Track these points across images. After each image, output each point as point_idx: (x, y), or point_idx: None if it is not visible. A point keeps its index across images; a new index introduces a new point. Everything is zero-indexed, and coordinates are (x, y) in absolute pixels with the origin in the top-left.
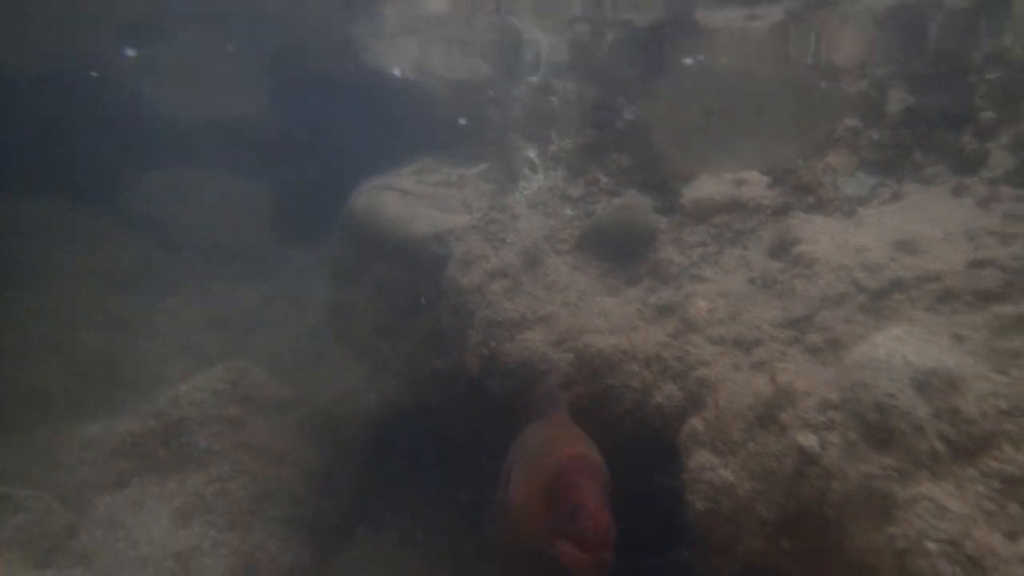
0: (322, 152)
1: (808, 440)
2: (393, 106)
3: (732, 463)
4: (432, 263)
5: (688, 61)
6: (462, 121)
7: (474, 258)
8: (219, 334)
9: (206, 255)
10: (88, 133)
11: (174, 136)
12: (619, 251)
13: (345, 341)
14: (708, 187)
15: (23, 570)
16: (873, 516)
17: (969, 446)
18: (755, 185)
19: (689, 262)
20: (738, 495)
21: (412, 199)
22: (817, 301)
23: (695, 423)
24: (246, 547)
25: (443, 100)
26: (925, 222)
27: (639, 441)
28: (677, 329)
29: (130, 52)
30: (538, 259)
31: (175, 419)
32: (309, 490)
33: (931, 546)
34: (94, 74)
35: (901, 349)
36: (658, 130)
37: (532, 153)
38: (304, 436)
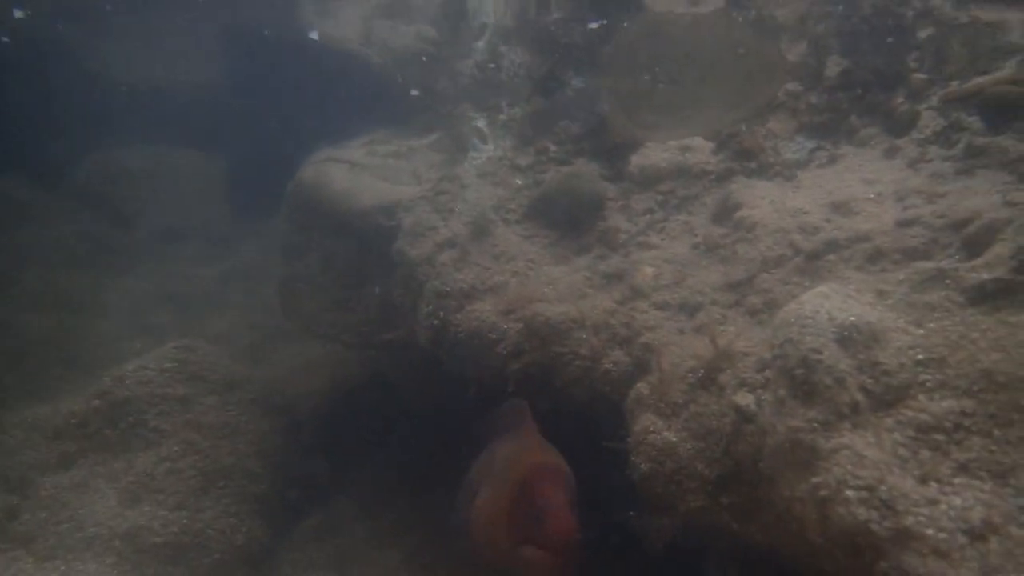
0: (275, 124)
1: (745, 399)
2: (343, 76)
3: (675, 424)
4: (380, 235)
5: (593, 26)
6: (414, 92)
7: (423, 229)
8: (175, 313)
9: (161, 232)
10: (35, 105)
11: (125, 108)
12: (568, 220)
13: (296, 317)
14: (655, 154)
15: None
16: (799, 467)
17: (887, 396)
18: (700, 151)
19: (636, 229)
20: (680, 455)
21: (360, 171)
22: (757, 264)
23: (640, 387)
24: (196, 525)
25: (391, 70)
26: (859, 184)
27: (588, 407)
28: (624, 296)
29: (18, 13)
30: (487, 229)
31: (121, 399)
32: (262, 466)
33: (849, 493)
34: (4, 39)
35: (826, 305)
36: (606, 98)
37: (481, 123)
38: (257, 413)
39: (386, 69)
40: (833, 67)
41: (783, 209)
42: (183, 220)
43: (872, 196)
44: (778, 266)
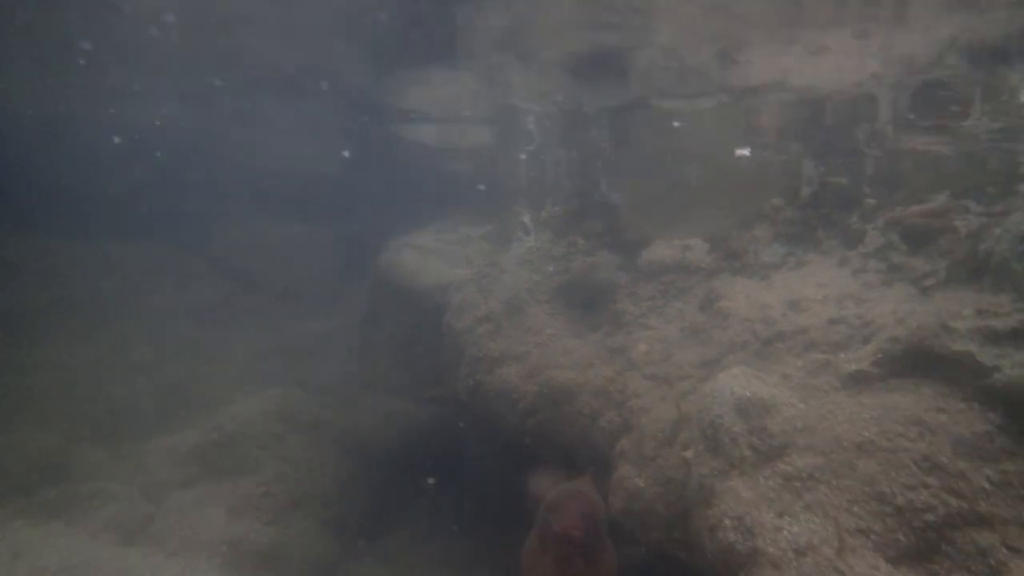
0: (372, 206)
1: (690, 454)
2: (424, 173)
3: (644, 473)
4: (436, 310)
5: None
6: (480, 187)
7: (467, 306)
8: (283, 364)
9: (277, 293)
10: (180, 185)
11: (251, 188)
12: (587, 302)
13: (371, 373)
14: (661, 250)
15: (115, 547)
16: (703, 504)
17: (769, 453)
18: (697, 250)
19: (640, 312)
20: (646, 498)
21: (427, 255)
22: (726, 347)
23: (624, 442)
24: (283, 540)
25: (460, 169)
26: (814, 286)
27: (586, 456)
28: (622, 367)
29: (116, 139)
30: (520, 308)
31: (231, 433)
32: (338, 495)
33: (726, 521)
34: (117, 140)
35: (731, 383)
36: (624, 201)
37: (527, 218)
38: (336, 451)
39: (454, 168)
40: (806, 188)
41: (753, 303)
42: (296, 284)
43: (820, 297)
44: (742, 349)
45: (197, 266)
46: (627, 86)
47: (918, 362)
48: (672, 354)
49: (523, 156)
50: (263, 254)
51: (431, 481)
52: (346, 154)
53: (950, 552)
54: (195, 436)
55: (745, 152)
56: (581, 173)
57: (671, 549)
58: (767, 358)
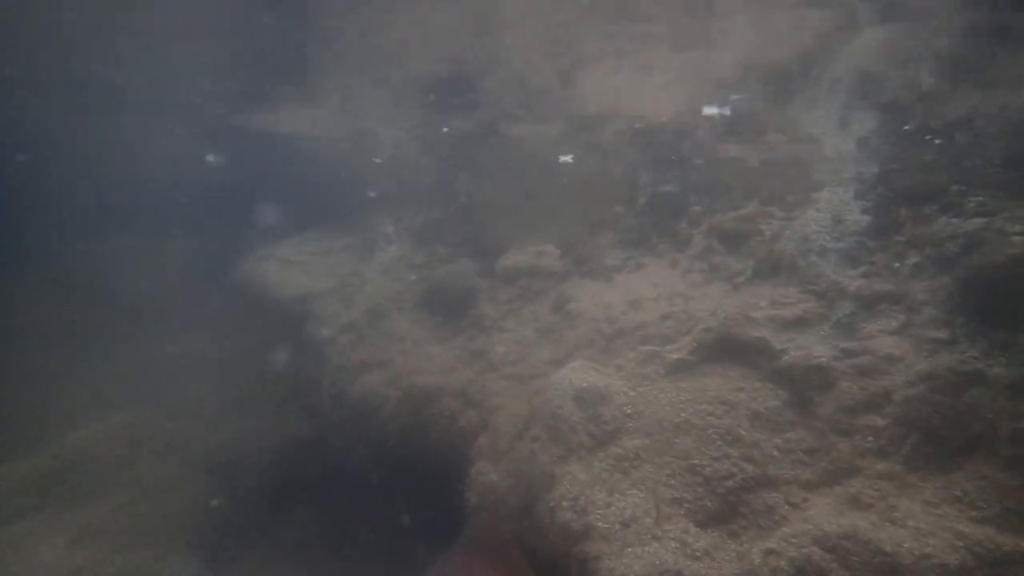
0: (239, 215)
1: (537, 444)
2: (292, 181)
3: (499, 468)
4: (298, 320)
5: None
6: (371, 194)
7: (329, 316)
8: (137, 383)
9: (135, 311)
10: (29, 206)
11: (110, 202)
12: (449, 308)
13: (232, 388)
14: (517, 257)
15: None
16: (546, 488)
17: (603, 438)
18: (550, 256)
19: (499, 316)
20: (499, 491)
21: (288, 266)
22: (574, 345)
23: (482, 439)
24: (129, 566)
25: (326, 180)
26: (650, 286)
27: (448, 455)
28: (482, 368)
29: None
30: (382, 316)
31: (72, 460)
32: (196, 517)
33: (564, 502)
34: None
35: (570, 376)
36: (484, 211)
37: (389, 228)
38: (195, 471)
39: (316, 179)
40: (642, 197)
41: (598, 304)
42: (158, 299)
43: (654, 296)
44: (588, 346)
45: (45, 286)
46: (479, 110)
47: (726, 349)
48: (527, 354)
49: (387, 168)
50: (116, 270)
51: (296, 498)
52: (210, 159)
53: (745, 512)
54: (29, 465)
55: (568, 159)
56: (441, 185)
57: (524, 536)
58: (610, 353)
